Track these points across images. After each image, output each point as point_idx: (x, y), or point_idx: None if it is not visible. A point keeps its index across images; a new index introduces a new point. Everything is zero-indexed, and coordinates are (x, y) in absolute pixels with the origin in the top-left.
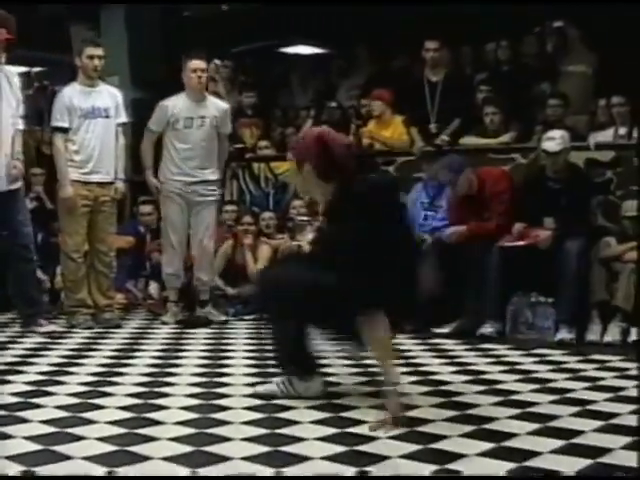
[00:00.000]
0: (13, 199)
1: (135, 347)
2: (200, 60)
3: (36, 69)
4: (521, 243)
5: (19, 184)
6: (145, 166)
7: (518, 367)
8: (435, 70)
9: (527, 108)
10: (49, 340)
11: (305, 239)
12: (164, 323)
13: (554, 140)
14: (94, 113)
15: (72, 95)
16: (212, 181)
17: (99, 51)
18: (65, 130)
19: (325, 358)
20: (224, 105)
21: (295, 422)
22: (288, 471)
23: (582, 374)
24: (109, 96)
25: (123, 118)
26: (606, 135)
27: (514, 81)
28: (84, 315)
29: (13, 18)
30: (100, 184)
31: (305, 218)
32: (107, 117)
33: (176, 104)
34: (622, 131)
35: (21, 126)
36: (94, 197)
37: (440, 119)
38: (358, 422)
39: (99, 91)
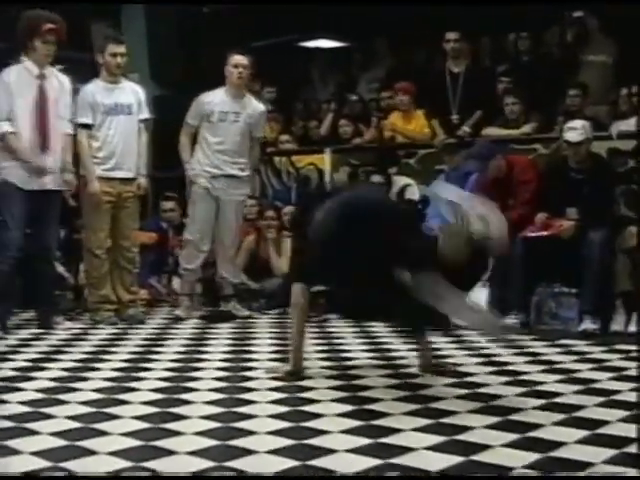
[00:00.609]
0: (49, 200)
1: (159, 342)
2: (242, 55)
3: (57, 67)
4: (544, 233)
5: (60, 187)
6: (183, 160)
7: (542, 358)
8: (456, 61)
9: (548, 98)
10: (72, 337)
11: None
12: (178, 318)
13: (576, 130)
14: (117, 110)
15: (95, 92)
16: (241, 178)
17: (122, 48)
18: (89, 127)
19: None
20: (261, 107)
21: (320, 415)
22: (313, 463)
23: (606, 364)
24: (132, 92)
25: (145, 114)
26: (628, 124)
27: (534, 72)
28: (108, 311)
29: (63, 21)
30: (123, 180)
31: None
32: (130, 114)
33: (213, 98)
34: None
35: (71, 130)
36: (117, 193)
37: (462, 110)
38: (383, 414)
39: (122, 88)
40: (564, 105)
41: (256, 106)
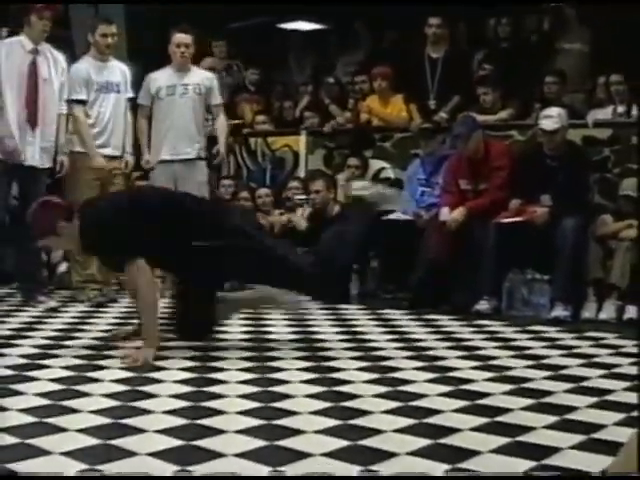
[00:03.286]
0: (35, 177)
1: (130, 322)
2: (184, 34)
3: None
4: (517, 219)
5: (48, 165)
6: (141, 144)
7: (513, 343)
8: (436, 47)
9: (525, 85)
10: (45, 313)
11: (302, 216)
12: None
13: (551, 118)
14: (108, 88)
15: (89, 68)
16: (196, 160)
17: (112, 29)
18: (84, 102)
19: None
20: (209, 74)
21: (290, 396)
22: (281, 444)
23: (577, 351)
24: (120, 71)
25: (130, 93)
26: (605, 113)
27: (513, 58)
28: (93, 290)
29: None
30: (111, 157)
31: (302, 197)
32: (119, 92)
33: (160, 74)
34: (620, 109)
35: (65, 110)
36: (106, 170)
37: (440, 96)
38: (352, 396)
39: (111, 66)
40: (541, 92)
41: (204, 75)
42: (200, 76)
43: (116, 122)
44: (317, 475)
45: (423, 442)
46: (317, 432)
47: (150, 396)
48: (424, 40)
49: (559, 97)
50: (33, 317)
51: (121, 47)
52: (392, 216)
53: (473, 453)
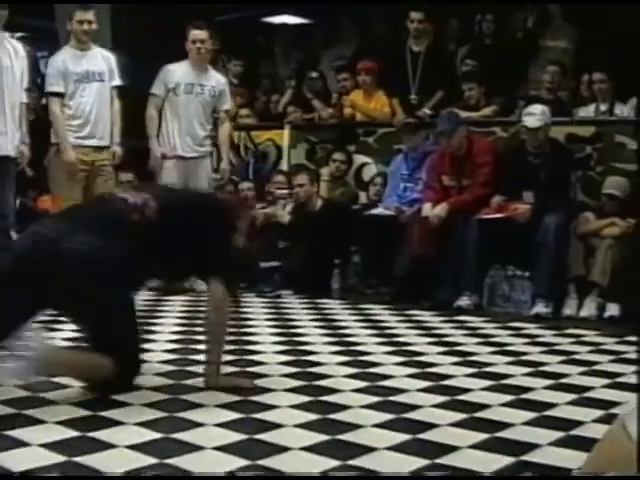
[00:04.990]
0: (1, 166)
1: None
2: (200, 30)
3: (17, 34)
4: (499, 216)
5: (12, 154)
6: (149, 134)
7: (493, 339)
8: (418, 41)
9: (509, 82)
10: None
11: (284, 210)
12: None
13: (534, 115)
14: (88, 77)
15: (65, 60)
16: (204, 157)
17: (89, 15)
18: (61, 95)
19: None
20: (223, 78)
21: (270, 389)
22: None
23: (557, 348)
24: (103, 59)
25: (117, 81)
26: (588, 111)
27: (497, 55)
28: None
29: None
30: (97, 148)
31: (285, 192)
32: (102, 80)
33: (178, 69)
34: (603, 107)
35: (25, 99)
36: (91, 161)
37: (421, 91)
38: (332, 391)
39: (92, 55)
40: (525, 89)
41: (219, 78)
42: (215, 79)
43: (100, 112)
44: (303, 475)
45: (402, 437)
46: (296, 426)
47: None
48: (407, 34)
49: (559, 88)
50: None
51: (106, 34)
52: (374, 211)
53: (452, 448)
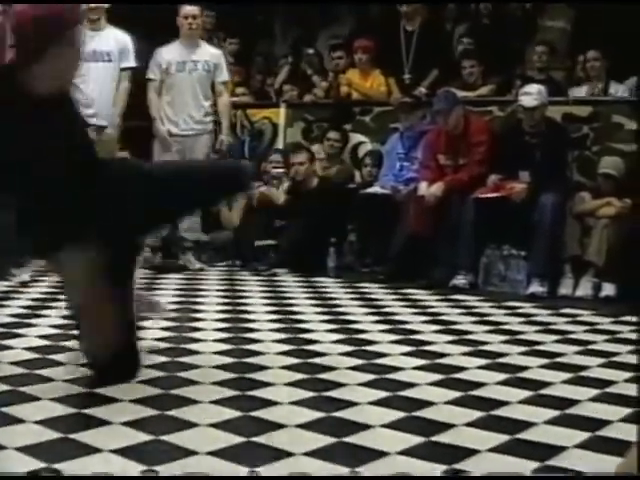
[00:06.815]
0: None
1: None
2: (192, 6)
3: None
4: (495, 195)
5: None
6: (153, 116)
7: (489, 319)
8: (411, 20)
9: (507, 61)
10: (17, 285)
11: (280, 189)
12: None
13: (531, 95)
14: (95, 57)
15: None
16: (202, 135)
17: None
18: None
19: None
20: (217, 51)
21: (265, 367)
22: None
23: (552, 327)
24: (113, 40)
25: (129, 63)
26: (581, 91)
27: (494, 34)
28: None
29: None
30: (98, 127)
31: (281, 171)
32: (109, 61)
33: (169, 49)
34: (598, 87)
35: None
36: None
37: (415, 70)
38: (328, 369)
39: (102, 35)
40: (522, 68)
41: (213, 52)
42: (208, 53)
43: (102, 92)
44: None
45: (397, 414)
46: (292, 403)
47: None
48: (400, 13)
49: (547, 68)
50: (8, 287)
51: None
52: (370, 190)
53: (447, 426)
